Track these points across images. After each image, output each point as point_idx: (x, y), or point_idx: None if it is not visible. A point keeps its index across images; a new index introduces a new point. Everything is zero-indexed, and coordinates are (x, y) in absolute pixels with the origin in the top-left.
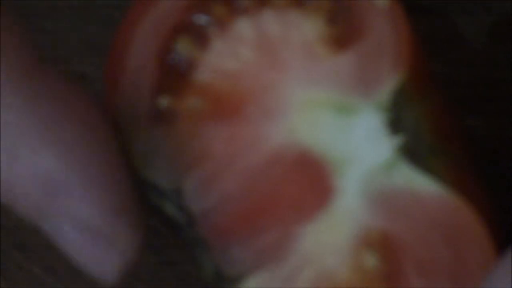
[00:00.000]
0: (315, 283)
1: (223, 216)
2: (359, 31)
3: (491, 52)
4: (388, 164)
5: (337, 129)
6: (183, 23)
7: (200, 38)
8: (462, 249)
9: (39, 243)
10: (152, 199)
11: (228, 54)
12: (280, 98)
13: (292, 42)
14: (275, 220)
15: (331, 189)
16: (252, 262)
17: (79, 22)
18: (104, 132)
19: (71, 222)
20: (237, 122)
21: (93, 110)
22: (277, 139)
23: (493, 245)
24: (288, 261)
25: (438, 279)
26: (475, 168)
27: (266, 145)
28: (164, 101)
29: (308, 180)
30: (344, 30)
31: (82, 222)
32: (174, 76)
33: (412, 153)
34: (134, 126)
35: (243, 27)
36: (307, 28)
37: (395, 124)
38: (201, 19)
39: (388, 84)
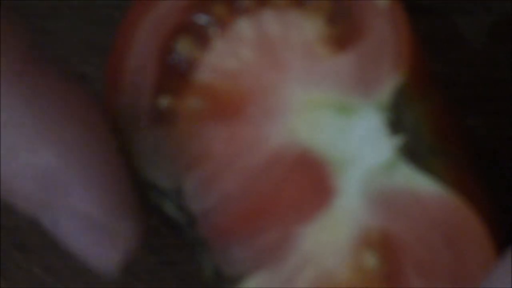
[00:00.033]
0: (315, 283)
1: (223, 216)
2: (359, 31)
3: (491, 52)
4: (388, 164)
5: (337, 129)
6: (183, 23)
7: (201, 38)
8: (462, 249)
9: (39, 243)
10: (152, 199)
11: (229, 54)
12: (280, 98)
13: (292, 42)
14: (275, 220)
15: (331, 189)
16: (252, 262)
17: (79, 22)
18: (103, 131)
19: (71, 217)
20: (237, 122)
21: (92, 109)
22: (277, 139)
23: (493, 245)
24: (288, 261)
25: (438, 279)
26: (475, 168)
27: (266, 145)
28: (164, 101)
29: (308, 180)
30: (344, 30)
31: (82, 216)
32: (174, 76)
33: (412, 153)
34: (134, 126)
35: (243, 27)
36: (307, 28)
37: (395, 124)
38: (202, 19)
39: (388, 84)
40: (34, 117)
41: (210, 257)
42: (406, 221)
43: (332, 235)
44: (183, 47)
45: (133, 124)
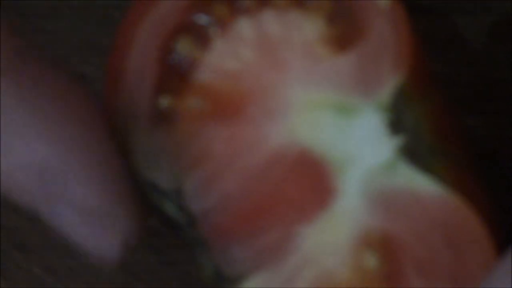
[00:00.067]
0: (315, 283)
1: (223, 216)
2: (360, 31)
3: (491, 52)
4: (388, 164)
5: (337, 130)
6: (183, 23)
7: (201, 38)
8: (462, 249)
9: (39, 243)
10: (152, 199)
11: (229, 54)
12: (281, 98)
13: (292, 42)
14: (275, 220)
15: (331, 189)
16: (252, 262)
17: (79, 22)
18: (101, 130)
19: (70, 209)
20: (238, 122)
21: (92, 109)
22: (277, 139)
23: (493, 245)
24: (288, 261)
25: (438, 279)
26: (475, 168)
27: (266, 145)
28: (164, 101)
29: (308, 180)
30: (344, 30)
31: (80, 204)
32: (174, 76)
33: (412, 153)
34: (135, 126)
35: (244, 27)
36: (308, 28)
37: (395, 124)
38: (202, 19)
39: (389, 84)
40: (28, 111)
41: (210, 257)
42: (406, 221)
43: (332, 235)
44: (183, 47)
45: (133, 124)
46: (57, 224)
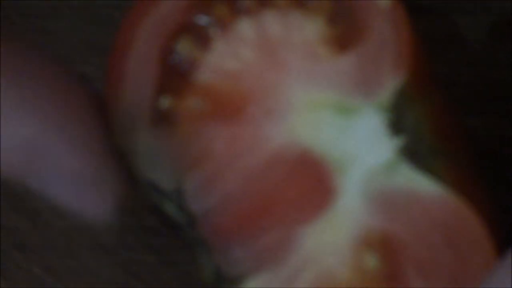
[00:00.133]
0: (315, 283)
1: (223, 217)
2: (360, 31)
3: (491, 52)
4: (389, 165)
5: (337, 130)
6: (184, 24)
7: (201, 38)
8: (462, 249)
9: (39, 243)
10: (152, 199)
11: (229, 55)
12: (281, 98)
13: (293, 43)
14: (275, 220)
15: (332, 189)
16: (252, 262)
17: (79, 22)
18: (97, 125)
19: (58, 175)
20: (238, 123)
21: (91, 108)
22: (278, 140)
23: (493, 245)
24: (288, 262)
25: (438, 279)
26: (475, 168)
27: (267, 145)
28: (165, 102)
29: (309, 181)
30: (345, 30)
31: (68, 172)
32: (175, 76)
33: (412, 153)
34: (135, 126)
35: (244, 27)
36: (308, 29)
37: (395, 125)
38: (202, 19)
39: (389, 84)
40: (34, 117)
41: (210, 257)
42: (406, 221)
43: (332, 235)
44: (184, 48)
45: (133, 124)
46: (48, 194)
